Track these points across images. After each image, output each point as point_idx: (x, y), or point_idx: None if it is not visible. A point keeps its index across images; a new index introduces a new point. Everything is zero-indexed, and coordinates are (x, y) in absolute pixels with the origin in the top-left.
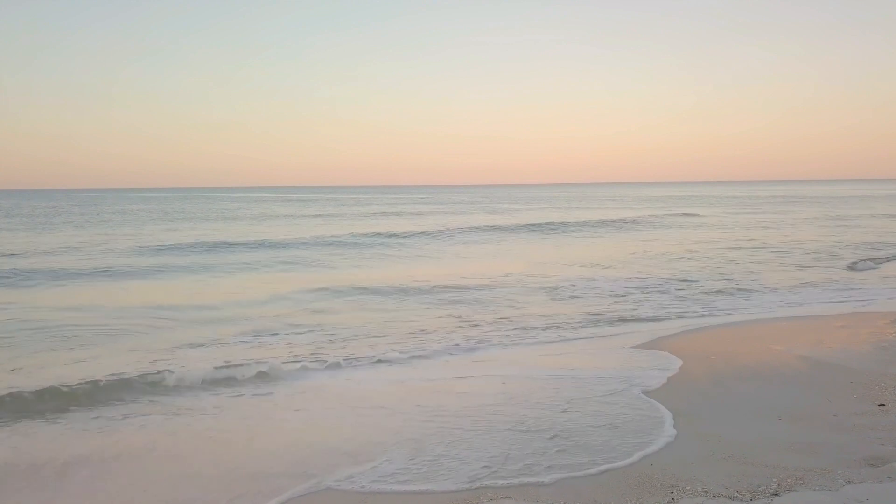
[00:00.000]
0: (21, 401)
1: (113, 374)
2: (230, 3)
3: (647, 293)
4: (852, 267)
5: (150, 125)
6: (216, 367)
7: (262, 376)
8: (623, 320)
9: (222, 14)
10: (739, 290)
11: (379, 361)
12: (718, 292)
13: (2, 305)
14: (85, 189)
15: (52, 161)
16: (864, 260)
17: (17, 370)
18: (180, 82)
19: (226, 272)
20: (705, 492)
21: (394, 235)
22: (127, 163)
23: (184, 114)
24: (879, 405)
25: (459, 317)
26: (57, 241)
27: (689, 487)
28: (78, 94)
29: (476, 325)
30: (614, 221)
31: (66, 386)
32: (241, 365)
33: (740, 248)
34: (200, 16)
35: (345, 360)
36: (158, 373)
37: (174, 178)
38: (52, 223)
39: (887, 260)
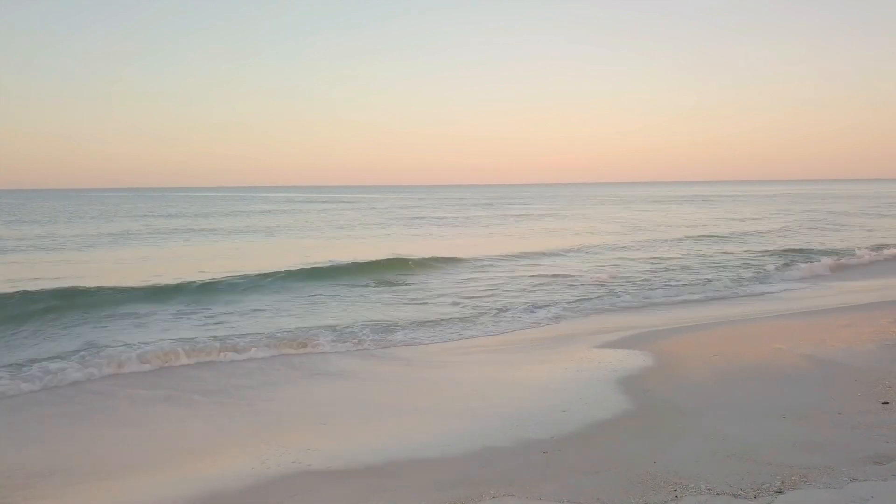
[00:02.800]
0: None
1: None
2: (230, 3)
3: None
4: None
5: (150, 125)
6: None
7: None
8: None
9: (222, 14)
10: None
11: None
12: None
13: None
14: (85, 189)
15: (52, 161)
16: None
17: None
18: (180, 82)
19: None
20: (709, 489)
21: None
22: (127, 163)
23: (184, 114)
24: (884, 403)
25: None
26: None
27: (692, 485)
28: (78, 94)
29: None
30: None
31: None
32: None
33: None
34: (200, 16)
35: None
36: None
37: (174, 178)
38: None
39: None
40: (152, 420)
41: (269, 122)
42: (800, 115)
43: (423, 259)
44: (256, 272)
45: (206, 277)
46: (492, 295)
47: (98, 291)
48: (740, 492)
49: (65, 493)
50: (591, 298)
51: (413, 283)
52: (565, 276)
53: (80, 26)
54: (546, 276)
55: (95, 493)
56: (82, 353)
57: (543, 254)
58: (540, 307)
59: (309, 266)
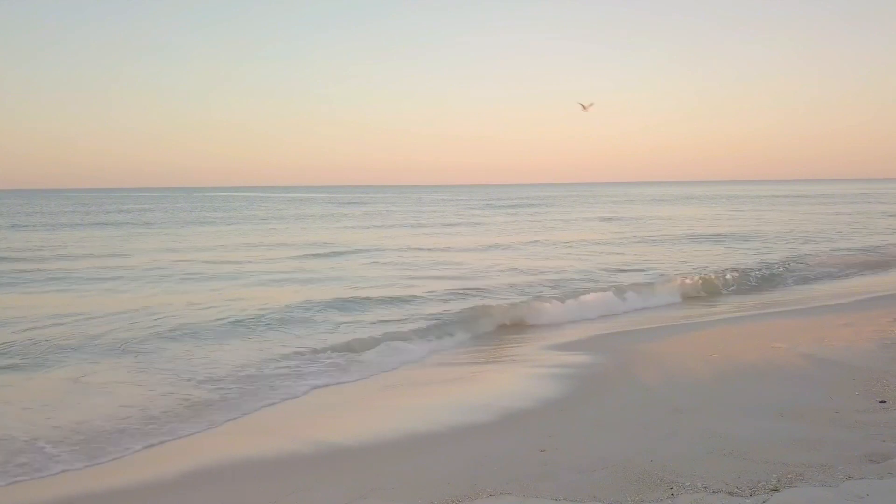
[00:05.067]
0: None
1: None
2: (229, 2)
3: None
4: None
5: (149, 125)
6: None
7: None
8: None
9: (221, 13)
10: None
11: None
12: None
13: None
14: (86, 189)
15: (52, 161)
16: None
17: None
18: (179, 81)
19: None
20: (705, 487)
21: None
22: (127, 163)
23: (183, 113)
24: (881, 402)
25: None
26: None
27: (688, 483)
28: (77, 93)
29: None
30: None
31: None
32: None
33: None
34: (199, 15)
35: None
36: None
37: (174, 178)
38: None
39: None
40: None
41: (268, 122)
42: (804, 114)
43: None
44: None
45: None
46: None
47: None
48: (736, 490)
49: None
50: None
51: None
52: None
53: (79, 25)
54: None
55: None
56: None
57: None
58: None
59: None
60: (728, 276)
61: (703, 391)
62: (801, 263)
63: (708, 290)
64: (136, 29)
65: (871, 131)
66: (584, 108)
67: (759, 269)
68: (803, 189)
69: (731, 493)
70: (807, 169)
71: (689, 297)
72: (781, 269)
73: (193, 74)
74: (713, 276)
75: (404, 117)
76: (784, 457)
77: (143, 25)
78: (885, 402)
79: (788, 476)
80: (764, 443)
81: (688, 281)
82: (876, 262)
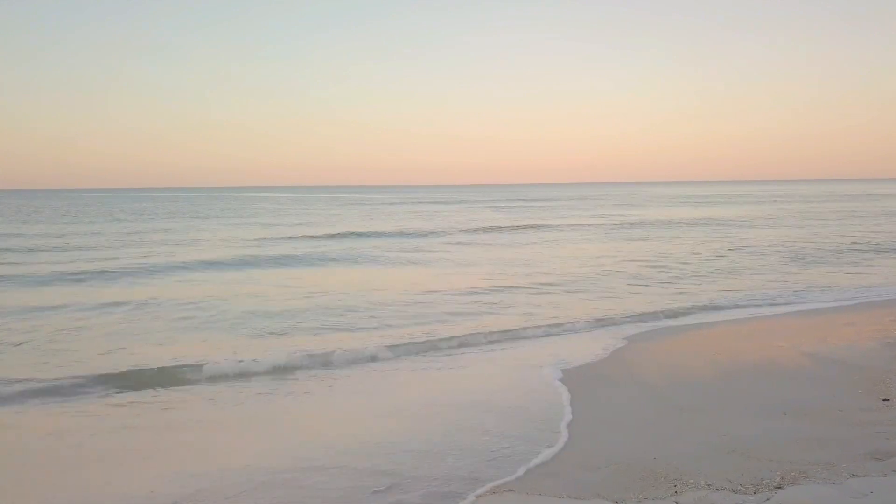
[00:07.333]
0: None
1: None
2: (229, 2)
3: None
4: None
5: (149, 125)
6: None
7: None
8: None
9: (221, 13)
10: None
11: None
12: None
13: None
14: (86, 189)
15: (52, 161)
16: None
17: None
18: (179, 81)
19: None
20: (708, 485)
21: None
22: (127, 163)
23: (183, 113)
24: (884, 400)
25: None
26: None
27: (692, 481)
28: (77, 93)
29: None
30: None
31: None
32: None
33: None
34: (199, 15)
35: None
36: None
37: (174, 178)
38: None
39: None
40: None
41: (268, 122)
42: (806, 114)
43: None
44: None
45: None
46: None
47: None
48: (740, 487)
49: None
50: None
51: None
52: None
53: (78, 25)
54: None
55: None
56: None
57: None
58: None
59: None
60: None
61: (707, 390)
62: None
63: None
64: (136, 29)
65: (871, 131)
66: None
67: None
68: (838, 189)
69: (734, 491)
70: (807, 169)
71: None
72: None
73: (193, 74)
74: None
75: (404, 117)
76: (788, 455)
77: (143, 25)
78: (888, 400)
79: (792, 474)
80: (767, 441)
81: None
82: None
